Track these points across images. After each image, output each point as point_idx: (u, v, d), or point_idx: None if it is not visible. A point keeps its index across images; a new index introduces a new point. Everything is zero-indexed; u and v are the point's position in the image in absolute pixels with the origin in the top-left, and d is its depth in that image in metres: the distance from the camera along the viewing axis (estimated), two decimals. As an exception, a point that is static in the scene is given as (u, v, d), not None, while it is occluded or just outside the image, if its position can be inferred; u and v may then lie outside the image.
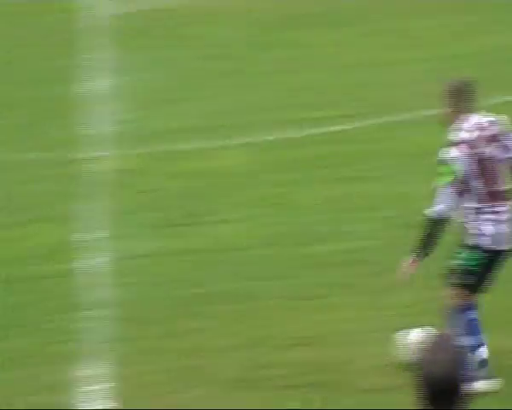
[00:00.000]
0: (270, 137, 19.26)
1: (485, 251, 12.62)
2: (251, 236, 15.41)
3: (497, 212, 12.64)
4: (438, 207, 12.55)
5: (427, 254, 12.58)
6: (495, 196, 12.76)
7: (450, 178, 12.39)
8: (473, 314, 12.53)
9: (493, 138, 13.54)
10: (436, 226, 12.60)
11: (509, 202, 12.84)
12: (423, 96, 20.62)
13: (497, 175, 12.67)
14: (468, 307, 12.54)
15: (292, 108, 21.18)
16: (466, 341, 12.21)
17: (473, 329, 12.49)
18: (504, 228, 12.46)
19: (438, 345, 6.11)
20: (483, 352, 12.48)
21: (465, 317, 12.44)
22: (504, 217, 12.70)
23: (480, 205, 12.69)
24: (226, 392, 11.65)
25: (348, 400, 11.40)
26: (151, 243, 15.72)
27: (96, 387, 12.07)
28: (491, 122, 13.22)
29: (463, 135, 12.39)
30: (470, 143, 12.43)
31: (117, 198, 17.70)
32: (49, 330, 13.41)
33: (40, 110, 22.28)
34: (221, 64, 23.57)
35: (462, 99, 12.46)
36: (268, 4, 30.79)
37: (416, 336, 12.85)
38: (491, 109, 13.66)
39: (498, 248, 12.67)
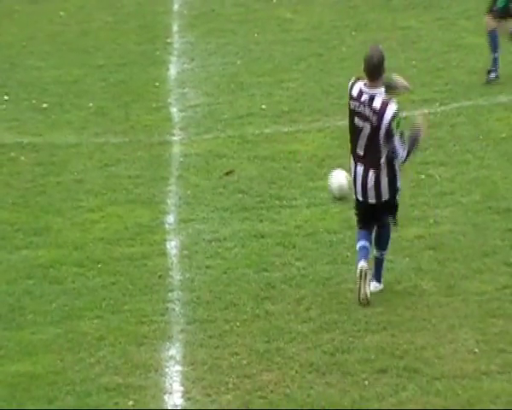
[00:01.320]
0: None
1: None
2: (330, 219, 15.34)
3: None
4: None
5: None
6: None
7: None
8: None
9: None
10: None
11: None
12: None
13: None
14: None
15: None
16: None
17: None
18: None
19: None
20: None
21: None
22: None
23: None
24: (302, 376, 11.65)
25: (440, 385, 11.31)
26: (229, 227, 15.73)
27: (176, 368, 12.10)
28: None
29: None
30: None
31: (198, 181, 17.68)
32: (130, 311, 13.45)
33: (121, 94, 22.29)
34: (306, 48, 23.09)
35: None
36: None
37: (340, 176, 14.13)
38: None
39: None
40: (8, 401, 11.56)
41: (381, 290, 13.66)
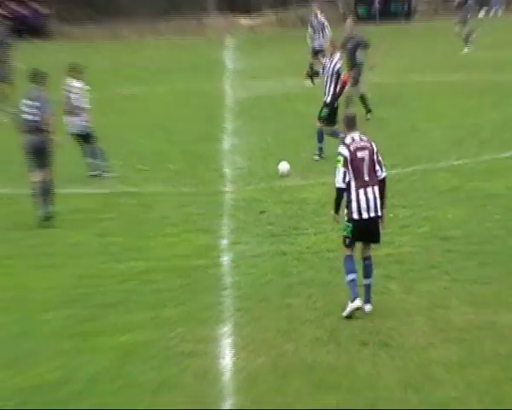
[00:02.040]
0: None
1: None
2: (330, 242, 15.37)
3: None
4: None
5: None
6: None
7: None
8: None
9: None
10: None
11: None
12: None
13: None
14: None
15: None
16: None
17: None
18: None
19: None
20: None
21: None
22: None
23: None
24: (311, 346, 11.65)
25: (402, 353, 11.33)
26: (263, 247, 15.75)
27: (228, 340, 12.14)
28: None
29: None
30: None
31: (242, 217, 17.76)
32: (198, 302, 13.49)
33: (192, 160, 22.55)
34: (314, 129, 22.94)
35: None
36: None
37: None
38: None
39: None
40: (121, 361, 11.61)
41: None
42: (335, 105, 21.20)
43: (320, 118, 21.29)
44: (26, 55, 32.49)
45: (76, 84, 20.71)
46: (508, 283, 13.42)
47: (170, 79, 34.63)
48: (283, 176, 19.91)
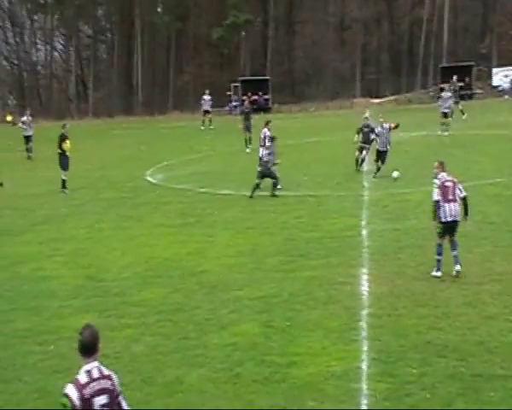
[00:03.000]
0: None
1: None
2: (424, 225, 14.14)
3: None
4: None
5: None
6: None
7: None
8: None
9: None
10: None
11: None
12: None
13: None
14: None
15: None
16: None
17: None
18: None
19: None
20: None
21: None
22: None
23: None
24: (417, 284, 11.06)
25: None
26: (386, 226, 15.15)
27: (364, 277, 11.76)
28: None
29: None
30: None
31: (373, 209, 16.99)
32: (349, 255, 13.09)
33: (345, 177, 21.63)
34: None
35: None
36: None
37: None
38: None
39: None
40: (307, 285, 11.52)
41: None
42: None
43: None
44: (258, 121, 33.48)
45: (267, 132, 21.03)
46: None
47: (332, 134, 33.69)
48: (395, 178, 19.11)
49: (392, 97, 51.78)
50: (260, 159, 19.84)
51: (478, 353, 8.54)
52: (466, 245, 12.95)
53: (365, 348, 8.82)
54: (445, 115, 29.85)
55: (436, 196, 11.55)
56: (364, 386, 7.83)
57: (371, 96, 52.60)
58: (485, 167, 21.94)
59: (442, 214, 11.50)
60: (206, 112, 39.33)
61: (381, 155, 21.28)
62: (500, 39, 57.36)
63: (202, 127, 38.86)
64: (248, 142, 29.57)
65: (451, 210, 11.51)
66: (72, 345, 9.10)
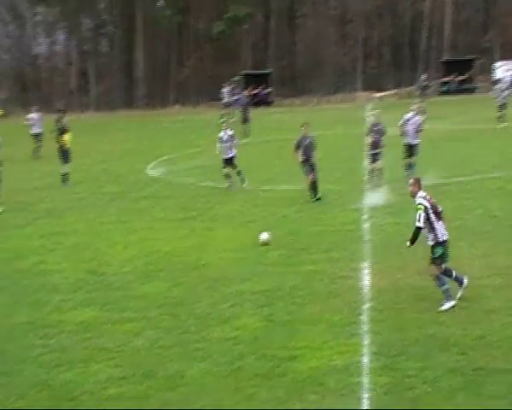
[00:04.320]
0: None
1: None
2: None
3: None
4: None
5: None
6: None
7: None
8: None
9: None
10: None
11: None
12: None
13: None
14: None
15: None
16: None
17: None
18: None
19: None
20: None
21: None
22: None
23: None
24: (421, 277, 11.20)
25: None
26: (387, 220, 14.96)
27: (366, 271, 11.73)
28: None
29: None
30: None
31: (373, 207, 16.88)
32: (351, 249, 13.05)
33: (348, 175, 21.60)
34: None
35: None
36: None
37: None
38: None
39: None
40: (308, 279, 11.47)
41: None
42: None
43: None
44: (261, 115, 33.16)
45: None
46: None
47: (333, 127, 33.05)
48: (264, 243, 13.77)
49: (393, 91, 51.65)
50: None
51: (479, 347, 8.51)
52: (468, 239, 13.06)
53: (366, 342, 8.83)
54: (503, 107, 30.15)
55: (423, 219, 9.68)
56: (365, 380, 7.81)
57: (373, 90, 52.41)
58: (486, 161, 21.81)
59: (439, 233, 9.80)
60: (228, 105, 38.10)
61: (412, 149, 18.66)
62: (503, 32, 57.13)
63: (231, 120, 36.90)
64: (246, 135, 29.53)
65: (444, 227, 9.92)
66: (74, 338, 9.38)
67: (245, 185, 19.60)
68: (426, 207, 9.80)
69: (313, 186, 17.85)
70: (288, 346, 8.85)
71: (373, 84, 54.99)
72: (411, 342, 8.73)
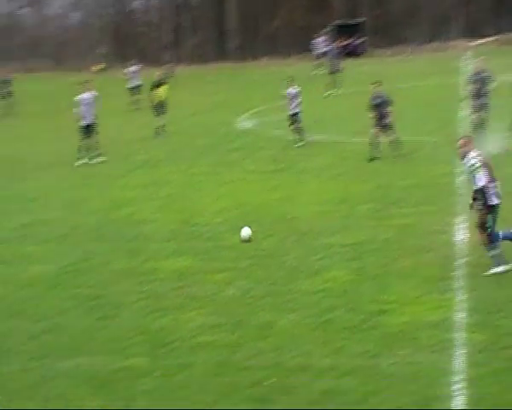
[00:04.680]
0: None
1: None
2: None
3: None
4: None
5: None
6: None
7: None
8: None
9: None
10: None
11: None
12: None
13: None
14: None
15: None
16: None
17: None
18: None
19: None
20: None
21: None
22: None
23: None
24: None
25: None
26: None
27: (462, 226, 11.37)
28: None
29: None
30: None
31: None
32: (446, 202, 12.71)
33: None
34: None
35: None
36: None
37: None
38: None
39: None
40: (400, 233, 11.26)
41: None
42: None
43: None
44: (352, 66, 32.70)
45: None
46: None
47: (427, 78, 31.38)
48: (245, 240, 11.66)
49: (493, 37, 49.03)
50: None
51: None
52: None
53: (461, 298, 8.60)
54: None
55: (484, 178, 9.16)
56: (459, 336, 7.61)
57: (472, 37, 49.95)
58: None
59: (493, 196, 9.23)
60: (320, 56, 37.28)
61: None
62: None
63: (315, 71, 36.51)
64: (336, 86, 29.26)
65: (499, 189, 9.36)
66: (167, 286, 9.66)
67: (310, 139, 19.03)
68: (483, 166, 9.25)
69: (375, 145, 16.88)
70: (379, 300, 8.71)
71: (473, 31, 52.36)
72: (510, 300, 8.40)
